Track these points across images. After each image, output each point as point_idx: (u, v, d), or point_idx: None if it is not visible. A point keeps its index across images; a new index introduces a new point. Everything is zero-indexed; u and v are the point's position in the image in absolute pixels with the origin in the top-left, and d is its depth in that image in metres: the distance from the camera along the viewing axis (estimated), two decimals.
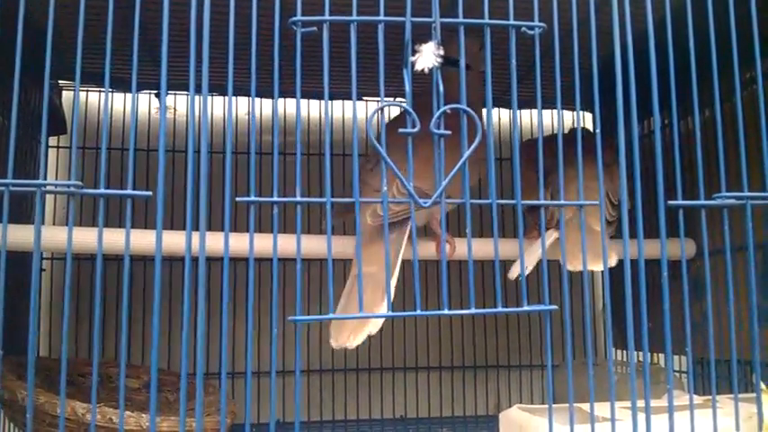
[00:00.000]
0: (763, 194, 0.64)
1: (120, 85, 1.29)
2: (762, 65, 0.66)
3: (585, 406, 0.61)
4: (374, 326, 0.91)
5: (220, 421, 0.46)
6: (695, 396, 0.87)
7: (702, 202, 0.61)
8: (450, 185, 0.54)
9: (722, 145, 0.62)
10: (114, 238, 0.72)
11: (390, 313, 0.53)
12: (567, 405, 0.59)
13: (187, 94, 0.57)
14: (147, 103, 1.42)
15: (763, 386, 0.64)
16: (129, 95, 1.36)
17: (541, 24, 0.56)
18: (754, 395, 0.64)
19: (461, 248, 0.93)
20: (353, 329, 0.92)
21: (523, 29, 0.56)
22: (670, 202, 0.59)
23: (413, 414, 1.40)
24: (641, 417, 0.58)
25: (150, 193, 0.52)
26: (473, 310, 0.55)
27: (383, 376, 1.40)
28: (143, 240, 0.72)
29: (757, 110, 0.64)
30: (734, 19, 0.63)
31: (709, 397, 0.62)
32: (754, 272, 0.65)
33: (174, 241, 0.73)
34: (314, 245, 0.83)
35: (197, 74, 0.51)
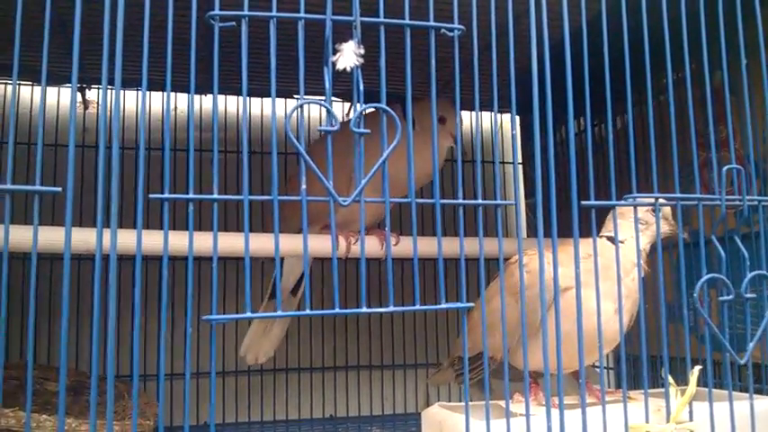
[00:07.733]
0: (671, 195, 0.66)
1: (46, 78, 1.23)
2: (672, 75, 0.69)
3: (502, 403, 0.62)
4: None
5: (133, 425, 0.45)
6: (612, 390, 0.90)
7: (614, 202, 0.63)
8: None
9: (633, 148, 0.65)
10: (23, 235, 0.69)
11: (308, 312, 0.53)
12: (489, 403, 0.60)
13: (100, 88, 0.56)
14: (57, 96, 1.35)
15: (671, 380, 0.67)
16: (53, 90, 1.31)
17: (460, 27, 0.57)
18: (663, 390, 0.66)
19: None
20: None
21: (443, 30, 0.57)
22: (583, 202, 0.61)
23: (342, 413, 1.40)
24: (555, 412, 0.59)
25: (59, 189, 0.50)
26: (391, 308, 0.55)
27: (312, 376, 1.39)
28: (54, 237, 0.69)
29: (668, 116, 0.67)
30: (647, 31, 0.65)
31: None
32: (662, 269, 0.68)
33: (86, 238, 0.71)
34: (230, 242, 0.81)
35: (110, 67, 0.50)
